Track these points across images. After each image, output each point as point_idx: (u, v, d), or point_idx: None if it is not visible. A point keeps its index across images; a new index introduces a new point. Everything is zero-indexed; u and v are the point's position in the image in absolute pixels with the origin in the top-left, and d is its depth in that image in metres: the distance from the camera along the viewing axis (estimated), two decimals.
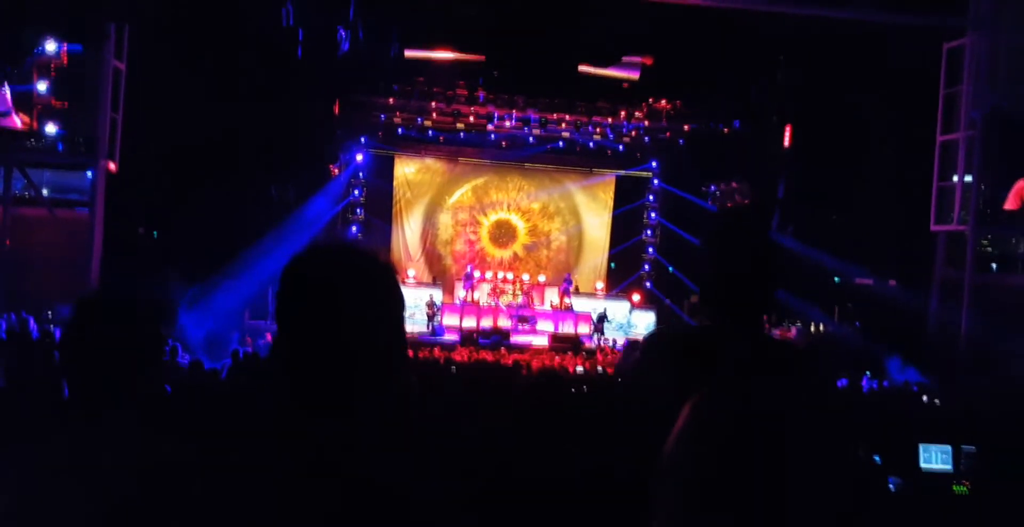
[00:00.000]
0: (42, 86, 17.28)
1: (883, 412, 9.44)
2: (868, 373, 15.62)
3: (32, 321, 14.23)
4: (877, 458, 6.76)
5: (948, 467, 6.61)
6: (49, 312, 15.95)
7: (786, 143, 22.40)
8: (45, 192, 19.12)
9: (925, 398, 11.73)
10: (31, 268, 17.69)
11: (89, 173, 18.36)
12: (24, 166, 18.45)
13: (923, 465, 6.65)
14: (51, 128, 17.58)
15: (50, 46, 17.09)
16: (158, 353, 2.06)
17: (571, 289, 24.49)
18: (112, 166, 18.49)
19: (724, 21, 21.47)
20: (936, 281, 20.18)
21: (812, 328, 21.49)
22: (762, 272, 2.22)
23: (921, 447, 6.77)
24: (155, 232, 21.20)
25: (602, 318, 22.25)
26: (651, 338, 2.54)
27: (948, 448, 6.73)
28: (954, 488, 6.41)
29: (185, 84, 19.72)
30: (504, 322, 22.42)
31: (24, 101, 17.18)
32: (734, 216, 2.36)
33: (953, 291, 19.44)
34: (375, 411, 1.40)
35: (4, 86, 16.58)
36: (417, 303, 21.97)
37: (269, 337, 18.46)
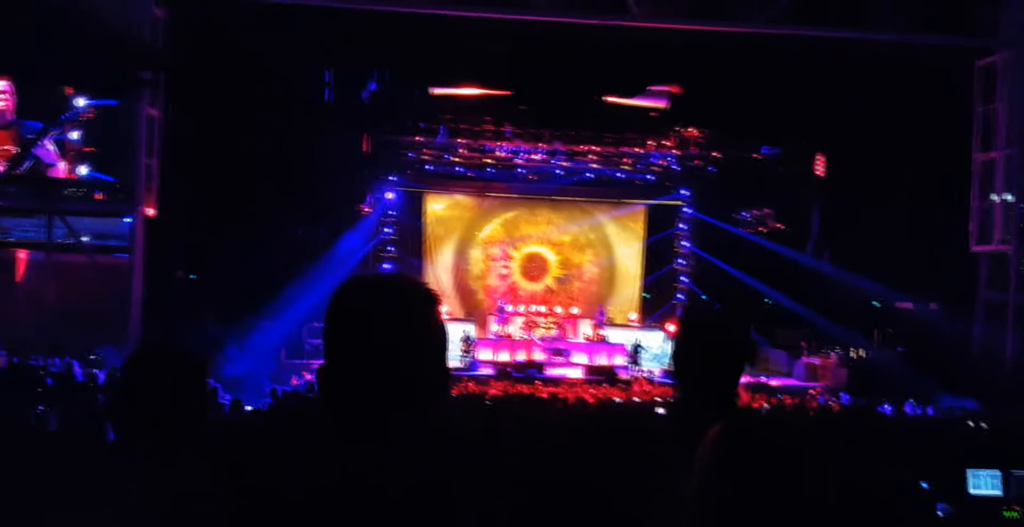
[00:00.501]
0: (74, 134, 17.70)
1: (929, 438, 9.31)
2: (912, 399, 15.42)
3: (76, 365, 14.41)
4: (924, 484, 6.66)
5: (998, 492, 6.50)
6: (92, 356, 16.14)
7: (819, 172, 22.23)
8: (85, 239, 19.44)
9: (971, 423, 11.54)
10: (74, 313, 17.93)
11: (127, 219, 18.66)
12: (64, 214, 18.81)
13: (972, 490, 6.55)
14: (83, 170, 18.02)
15: (80, 102, 17.54)
16: (202, 400, 2.13)
17: (604, 320, 24.40)
18: (150, 211, 18.77)
19: (750, 46, 21.53)
20: (979, 303, 19.89)
21: (852, 353, 21.23)
22: (725, 364, 2.49)
23: (969, 472, 6.66)
24: (192, 275, 21.43)
25: (637, 349, 22.10)
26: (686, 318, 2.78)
27: (998, 473, 6.62)
28: (1004, 513, 6.29)
29: (216, 128, 20.05)
30: (538, 355, 22.37)
31: (59, 149, 17.65)
32: (703, 313, 2.75)
33: (996, 313, 19.15)
34: (411, 438, 1.40)
35: (48, 139, 17.01)
36: (451, 338, 21.95)
37: (306, 376, 18.53)
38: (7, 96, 17.07)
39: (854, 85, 20.02)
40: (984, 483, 6.56)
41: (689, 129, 24.08)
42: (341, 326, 1.39)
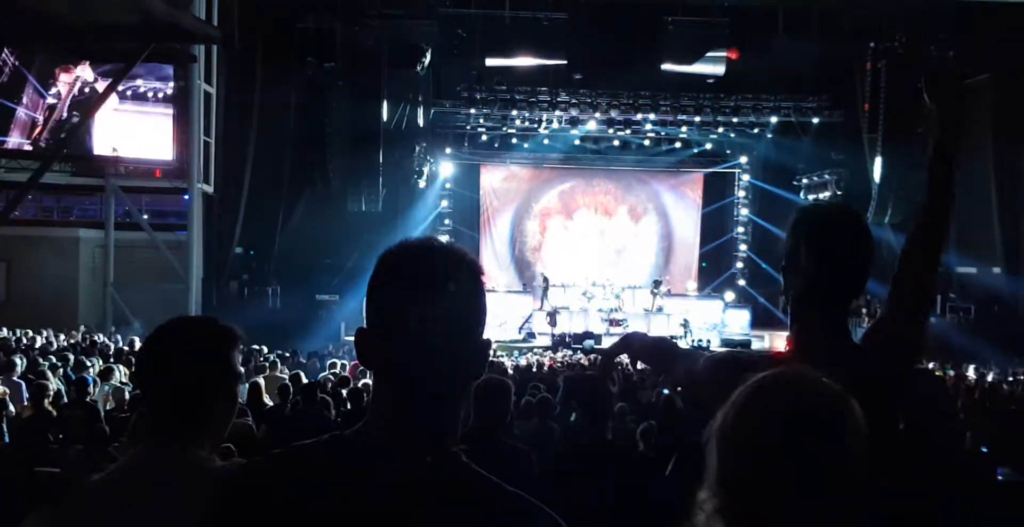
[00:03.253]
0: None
1: (990, 403, 9.13)
2: (973, 365, 15.12)
3: (138, 340, 14.73)
4: (984, 449, 6.54)
5: None
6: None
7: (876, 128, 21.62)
8: (145, 216, 19.77)
9: None
10: (136, 289, 18.29)
11: (185, 196, 18.91)
12: (124, 192, 19.14)
13: None
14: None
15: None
16: (225, 383, 2.02)
17: (662, 291, 24.26)
18: (207, 188, 18.98)
19: (811, 11, 21.20)
20: None
21: None
22: (854, 265, 2.12)
23: None
24: (251, 251, 21.71)
25: (685, 325, 21.94)
26: (712, 362, 2.37)
27: None
28: None
29: (274, 105, 20.24)
30: (595, 326, 22.30)
31: None
32: (826, 207, 2.21)
33: None
34: (450, 412, 1.38)
35: None
36: (509, 310, 22.23)
37: None
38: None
39: (914, 46, 19.61)
40: None
41: (746, 95, 23.68)
42: (379, 288, 1.38)
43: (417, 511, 1.30)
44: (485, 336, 1.41)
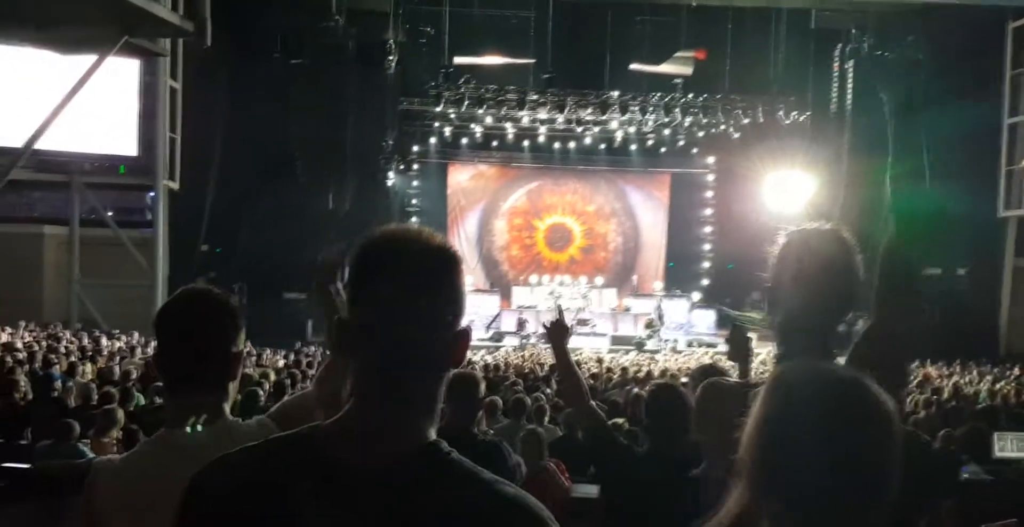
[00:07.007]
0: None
1: (955, 403, 9.25)
2: (937, 366, 15.29)
3: (104, 339, 14.61)
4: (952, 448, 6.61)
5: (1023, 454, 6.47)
6: (115, 331, 16.26)
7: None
8: (110, 213, 19.53)
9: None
10: (100, 286, 18.05)
11: (151, 193, 18.70)
12: (89, 187, 18.89)
13: (998, 453, 6.51)
14: None
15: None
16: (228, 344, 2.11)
17: (633, 290, 24.35)
18: (173, 185, 18.77)
19: (778, 12, 21.37)
20: (1007, 268, 19.65)
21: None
22: (834, 298, 2.08)
23: (995, 435, 6.62)
24: (218, 248, 21.50)
25: (651, 326, 22.03)
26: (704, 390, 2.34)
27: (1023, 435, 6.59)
28: None
29: (240, 100, 20.05)
30: None
31: None
32: (811, 234, 2.14)
33: None
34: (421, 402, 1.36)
35: None
36: (477, 309, 22.27)
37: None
38: None
39: (883, 49, 19.81)
40: (1010, 446, 6.52)
41: (715, 96, 23.75)
42: (350, 275, 1.36)
43: (394, 504, 1.26)
44: (463, 327, 1.39)
